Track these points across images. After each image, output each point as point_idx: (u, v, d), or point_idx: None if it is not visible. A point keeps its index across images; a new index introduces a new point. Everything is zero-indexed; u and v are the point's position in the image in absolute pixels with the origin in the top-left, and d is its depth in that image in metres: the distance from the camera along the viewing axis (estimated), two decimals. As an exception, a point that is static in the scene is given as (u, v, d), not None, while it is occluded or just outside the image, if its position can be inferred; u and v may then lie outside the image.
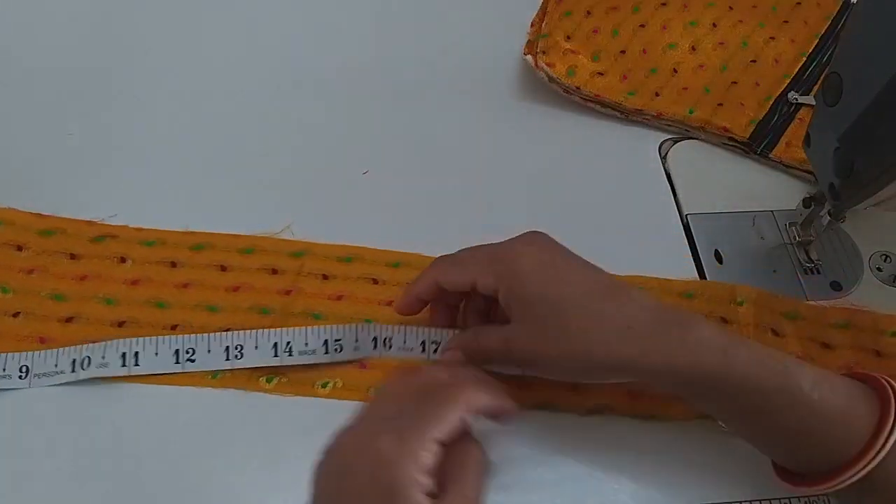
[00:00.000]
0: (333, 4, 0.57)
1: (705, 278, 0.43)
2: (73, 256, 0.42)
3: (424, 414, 0.29)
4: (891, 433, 0.29)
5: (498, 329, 0.35)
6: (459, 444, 0.30)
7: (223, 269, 0.42)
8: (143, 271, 0.41)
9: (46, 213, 0.43)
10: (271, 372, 0.38)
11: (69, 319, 0.39)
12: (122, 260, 0.42)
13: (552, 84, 0.50)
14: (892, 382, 0.31)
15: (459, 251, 0.37)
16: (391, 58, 0.54)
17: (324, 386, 0.38)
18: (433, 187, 0.46)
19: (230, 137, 0.49)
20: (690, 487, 0.36)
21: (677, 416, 0.37)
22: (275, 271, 0.42)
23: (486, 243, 0.36)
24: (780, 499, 0.36)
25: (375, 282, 0.42)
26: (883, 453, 0.29)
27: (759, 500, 0.36)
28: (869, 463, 0.29)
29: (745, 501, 0.36)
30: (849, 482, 0.29)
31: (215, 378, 0.38)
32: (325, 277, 0.42)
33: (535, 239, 0.35)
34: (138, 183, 0.46)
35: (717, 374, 0.30)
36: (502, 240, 0.36)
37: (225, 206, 0.45)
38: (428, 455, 0.28)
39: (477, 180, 0.47)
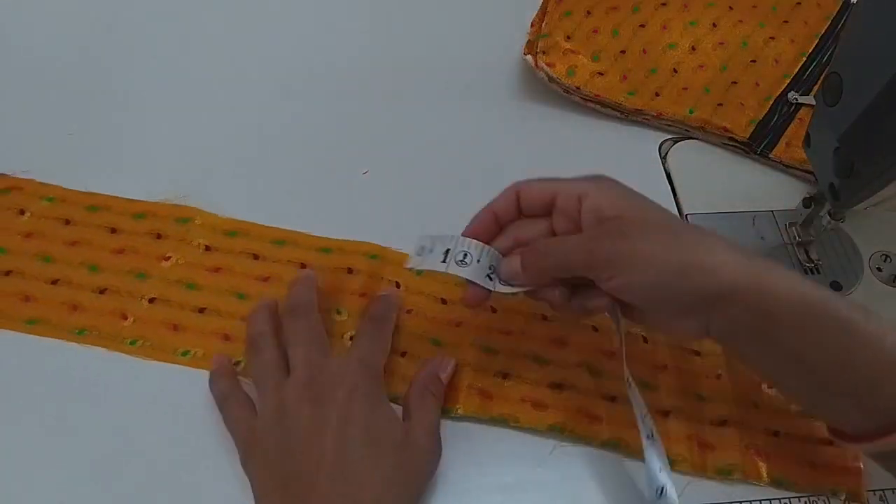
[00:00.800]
0: (333, 4, 0.57)
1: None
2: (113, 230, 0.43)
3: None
4: None
5: (579, 237, 0.33)
6: (417, 381, 0.36)
7: (256, 257, 0.42)
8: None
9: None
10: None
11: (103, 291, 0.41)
12: (159, 237, 0.43)
13: (552, 84, 0.50)
14: None
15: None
16: (391, 58, 0.54)
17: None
18: (433, 187, 0.46)
19: (230, 137, 0.49)
20: (690, 487, 0.36)
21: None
22: (303, 265, 0.42)
23: None
24: (780, 499, 0.36)
25: (396, 283, 0.42)
26: None
27: (760, 500, 0.36)
28: None
29: (745, 501, 0.36)
30: None
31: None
32: (350, 271, 0.42)
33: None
34: (139, 182, 0.46)
35: (808, 302, 0.29)
36: None
37: (226, 206, 0.45)
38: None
39: (477, 180, 0.47)
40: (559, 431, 0.37)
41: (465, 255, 0.34)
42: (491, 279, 0.34)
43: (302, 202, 0.45)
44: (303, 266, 0.42)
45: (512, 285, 0.34)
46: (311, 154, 0.48)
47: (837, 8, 0.56)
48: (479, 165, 0.48)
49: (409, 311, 0.41)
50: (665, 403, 0.38)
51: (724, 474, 0.36)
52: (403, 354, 0.39)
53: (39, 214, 0.43)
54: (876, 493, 0.36)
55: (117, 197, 0.44)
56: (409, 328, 0.40)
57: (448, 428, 0.37)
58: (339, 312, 0.40)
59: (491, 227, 0.35)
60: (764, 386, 0.39)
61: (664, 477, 0.32)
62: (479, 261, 0.34)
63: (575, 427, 0.37)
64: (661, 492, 0.32)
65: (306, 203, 0.45)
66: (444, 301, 0.41)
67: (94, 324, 0.39)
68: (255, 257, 0.42)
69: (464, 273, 0.34)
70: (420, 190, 0.46)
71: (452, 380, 0.38)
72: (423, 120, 0.50)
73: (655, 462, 0.33)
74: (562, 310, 0.35)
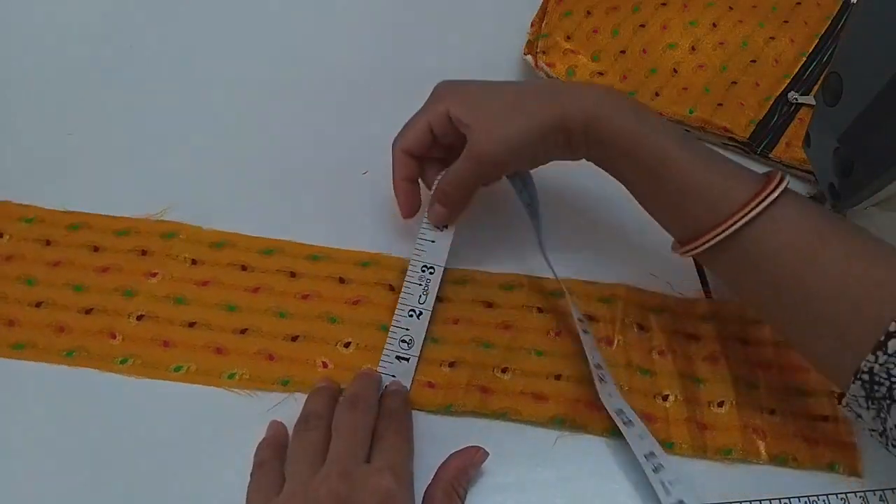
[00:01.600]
0: (333, 4, 0.57)
1: (705, 278, 0.43)
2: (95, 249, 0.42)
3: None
4: (762, 201, 0.32)
5: (460, 160, 0.38)
6: (445, 476, 0.35)
7: (244, 268, 0.42)
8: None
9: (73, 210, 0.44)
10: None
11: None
12: (143, 253, 0.42)
13: (552, 84, 0.50)
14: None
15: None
16: (391, 58, 0.54)
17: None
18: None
19: (230, 138, 0.49)
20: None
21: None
22: (293, 274, 0.42)
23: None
24: (780, 499, 0.36)
25: (392, 288, 0.42)
26: (750, 216, 0.33)
27: (759, 500, 0.36)
28: (735, 223, 0.33)
29: (745, 501, 0.36)
30: (715, 241, 0.34)
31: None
32: (341, 281, 0.42)
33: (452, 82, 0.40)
34: (139, 183, 0.46)
35: (627, 132, 0.35)
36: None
37: (228, 206, 0.45)
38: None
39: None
40: (560, 423, 0.37)
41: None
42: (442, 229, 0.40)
43: (289, 210, 0.45)
44: (292, 275, 0.42)
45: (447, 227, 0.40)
46: (311, 154, 0.48)
47: (837, 8, 0.56)
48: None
49: None
50: (663, 388, 0.39)
51: (723, 454, 0.37)
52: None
53: (19, 236, 0.42)
54: (876, 493, 0.36)
55: (98, 214, 0.44)
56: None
57: (447, 428, 0.37)
58: (332, 321, 0.40)
59: (413, 191, 0.41)
60: (759, 372, 0.40)
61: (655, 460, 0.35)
62: (433, 242, 0.40)
63: (576, 417, 0.38)
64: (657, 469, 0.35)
65: (294, 210, 0.45)
66: (440, 299, 0.41)
67: (82, 344, 0.39)
68: (244, 268, 0.42)
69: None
70: (419, 190, 0.46)
71: (451, 378, 0.38)
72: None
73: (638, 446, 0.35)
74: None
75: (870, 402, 0.31)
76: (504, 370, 0.39)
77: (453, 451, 0.36)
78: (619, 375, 0.39)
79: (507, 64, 0.53)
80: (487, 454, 0.36)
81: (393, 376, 0.38)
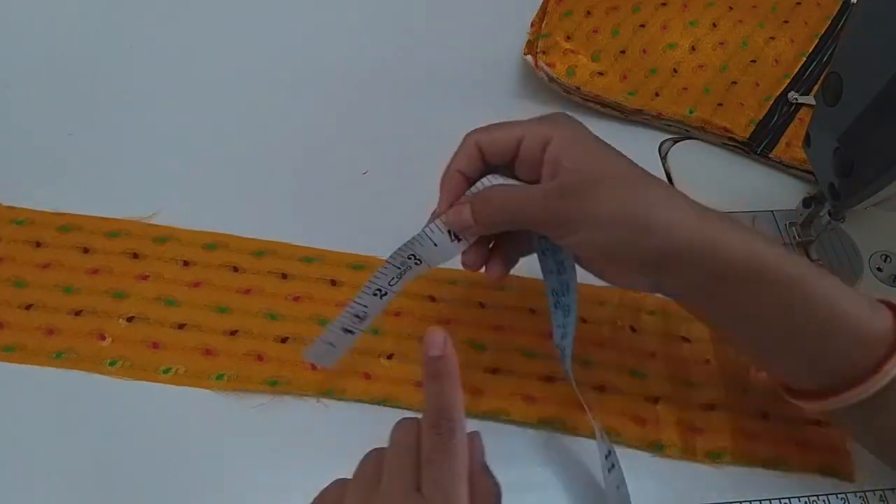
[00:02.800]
0: (333, 4, 0.57)
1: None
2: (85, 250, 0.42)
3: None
4: None
5: (534, 191, 0.31)
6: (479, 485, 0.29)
7: (236, 269, 0.42)
8: (154, 267, 0.42)
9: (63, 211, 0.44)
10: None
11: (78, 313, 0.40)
12: (135, 256, 0.42)
13: (552, 84, 0.50)
14: None
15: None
16: (391, 58, 0.54)
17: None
18: (433, 187, 0.46)
19: (226, 138, 0.49)
20: (689, 487, 0.36)
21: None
22: (284, 276, 0.42)
23: None
24: (780, 499, 0.36)
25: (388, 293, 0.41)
26: None
27: (759, 500, 0.36)
28: (886, 376, 0.28)
29: (745, 501, 0.36)
30: (865, 395, 0.28)
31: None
32: (333, 283, 0.42)
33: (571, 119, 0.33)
34: (139, 183, 0.46)
35: (760, 263, 0.29)
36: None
37: (228, 207, 0.45)
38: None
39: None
40: (549, 424, 0.37)
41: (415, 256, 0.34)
42: (454, 239, 0.34)
43: (281, 210, 0.45)
44: (284, 276, 0.41)
45: (459, 240, 0.34)
46: (311, 154, 0.48)
47: (837, 8, 0.56)
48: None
49: (396, 314, 0.40)
50: (654, 390, 0.39)
51: (713, 458, 0.37)
52: (390, 357, 0.39)
53: (9, 238, 0.42)
54: (876, 493, 0.36)
55: (89, 216, 0.43)
56: (397, 329, 0.40)
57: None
58: (321, 323, 0.40)
59: (463, 189, 0.34)
60: (752, 370, 0.39)
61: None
62: (436, 245, 0.34)
63: (566, 418, 0.37)
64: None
65: (286, 211, 0.45)
66: (432, 299, 0.41)
67: (71, 346, 0.38)
68: (235, 269, 0.42)
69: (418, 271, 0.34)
70: (420, 190, 0.46)
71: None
72: (423, 120, 0.50)
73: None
74: (476, 267, 0.34)
75: None
76: (495, 371, 0.39)
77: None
78: (610, 377, 0.39)
79: (507, 64, 0.53)
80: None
81: (331, 344, 0.36)
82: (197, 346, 0.39)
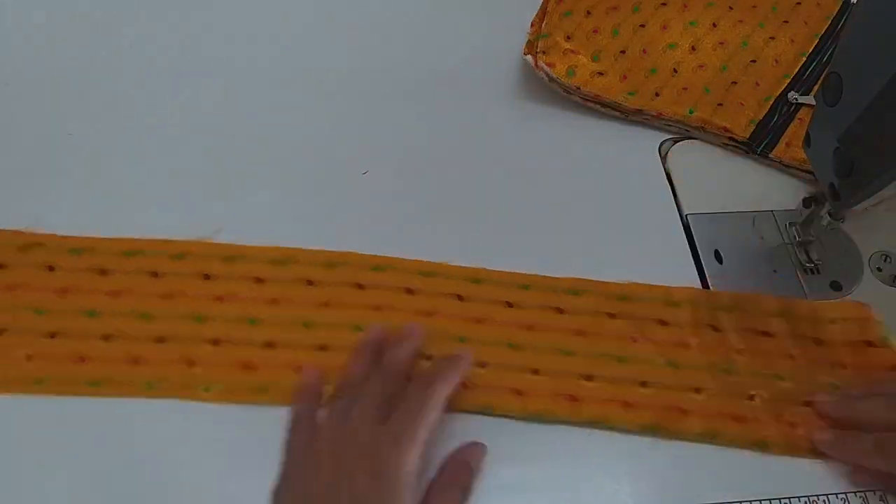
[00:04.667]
0: (333, 4, 0.57)
1: (705, 278, 0.43)
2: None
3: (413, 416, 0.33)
4: None
5: None
6: (447, 469, 0.34)
7: (206, 277, 0.41)
8: (125, 282, 0.41)
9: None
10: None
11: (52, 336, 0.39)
12: (102, 273, 0.41)
13: (552, 84, 0.50)
14: None
15: None
16: (391, 58, 0.54)
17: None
18: (433, 187, 0.46)
19: (231, 138, 0.49)
20: (690, 487, 0.36)
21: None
22: (311, 282, 0.41)
23: None
24: (780, 499, 0.36)
25: (410, 291, 0.41)
26: None
27: (760, 500, 0.36)
28: None
29: (745, 501, 0.36)
30: None
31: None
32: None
33: None
34: (139, 183, 0.46)
35: None
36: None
37: (229, 207, 0.45)
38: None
39: (476, 180, 0.47)
40: (596, 423, 0.38)
41: None
42: None
43: (289, 211, 0.45)
44: (309, 283, 0.41)
45: None
46: (311, 154, 0.48)
47: (837, 8, 0.56)
48: (477, 165, 0.48)
49: (429, 314, 0.40)
50: (749, 387, 0.39)
51: (705, 437, 0.37)
52: (429, 358, 0.39)
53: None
54: (876, 493, 0.36)
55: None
56: (431, 330, 0.40)
57: (446, 428, 0.37)
58: (306, 326, 0.40)
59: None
60: (734, 354, 0.40)
61: None
62: None
63: (613, 416, 0.38)
64: None
65: (294, 211, 0.45)
66: (460, 298, 0.41)
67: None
68: (258, 280, 0.41)
69: None
70: (419, 190, 0.46)
71: (485, 379, 0.38)
72: (423, 120, 0.50)
73: None
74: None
75: None
76: (535, 371, 0.39)
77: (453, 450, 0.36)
78: (701, 378, 0.39)
79: (507, 64, 0.53)
80: (486, 448, 0.36)
81: None
82: (234, 362, 0.38)
